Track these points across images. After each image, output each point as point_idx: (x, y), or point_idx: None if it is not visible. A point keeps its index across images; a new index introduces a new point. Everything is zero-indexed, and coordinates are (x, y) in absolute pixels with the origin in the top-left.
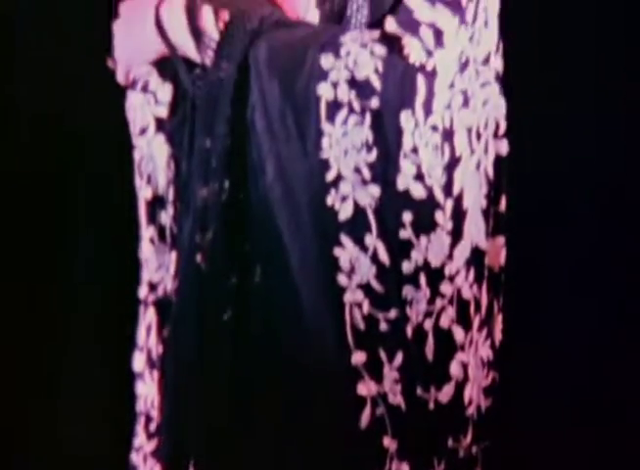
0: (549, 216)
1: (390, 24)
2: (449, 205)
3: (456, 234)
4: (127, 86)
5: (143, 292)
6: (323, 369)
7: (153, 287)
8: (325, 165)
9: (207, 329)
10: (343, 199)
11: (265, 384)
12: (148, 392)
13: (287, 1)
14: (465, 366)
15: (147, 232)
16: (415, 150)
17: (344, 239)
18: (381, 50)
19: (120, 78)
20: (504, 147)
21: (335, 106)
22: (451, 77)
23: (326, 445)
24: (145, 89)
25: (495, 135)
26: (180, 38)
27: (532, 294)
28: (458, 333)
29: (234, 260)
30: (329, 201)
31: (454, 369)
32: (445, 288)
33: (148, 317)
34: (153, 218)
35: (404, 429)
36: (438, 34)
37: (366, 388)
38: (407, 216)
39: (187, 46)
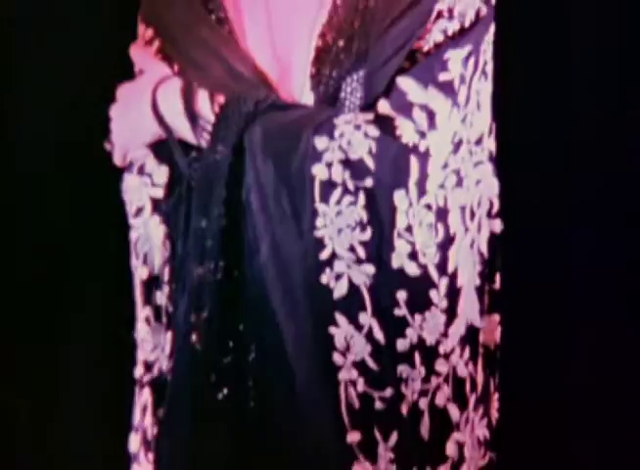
0: (545, 294)
1: (384, 107)
2: (444, 283)
3: (451, 312)
4: (124, 168)
5: (138, 372)
6: (319, 449)
7: (148, 367)
8: (319, 244)
9: (202, 408)
10: (338, 277)
11: (261, 463)
12: None
13: (282, 84)
14: (461, 446)
15: (143, 312)
16: (409, 229)
17: (339, 317)
18: (374, 131)
19: (117, 161)
20: (498, 225)
21: (329, 186)
22: (445, 158)
23: None
24: (141, 171)
25: (489, 214)
26: (176, 121)
27: (529, 372)
28: (454, 412)
29: (229, 340)
30: (323, 279)
31: (450, 449)
32: (441, 366)
33: (143, 397)
34: (149, 298)
35: None
36: (431, 116)
37: (361, 469)
38: (402, 295)
39: (183, 129)
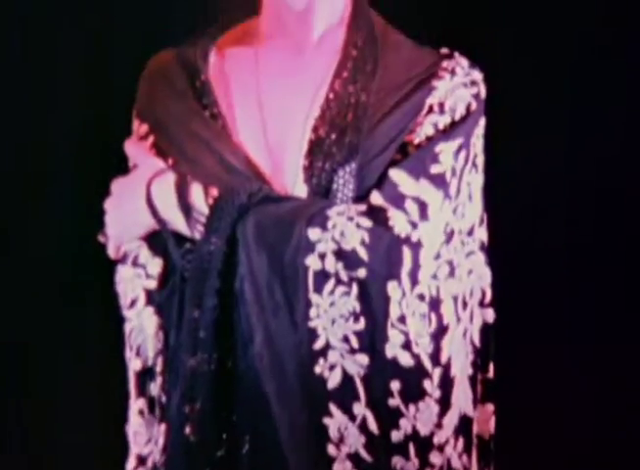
0: (539, 382)
1: (376, 198)
2: (437, 373)
3: (444, 402)
4: (118, 260)
5: (131, 465)
6: None
7: (142, 460)
8: (313, 335)
9: None
10: (332, 367)
11: None
12: None
13: (275, 177)
14: None
15: (136, 404)
16: (402, 319)
17: (333, 408)
18: (366, 222)
19: (111, 253)
20: (490, 315)
21: (322, 276)
22: (437, 248)
23: None
24: (135, 263)
25: (481, 304)
26: (170, 214)
27: (524, 461)
28: None
29: (222, 432)
30: (317, 369)
31: None
32: (435, 458)
33: None
34: (142, 390)
35: None
36: (423, 207)
37: None
38: (395, 385)
39: (177, 221)
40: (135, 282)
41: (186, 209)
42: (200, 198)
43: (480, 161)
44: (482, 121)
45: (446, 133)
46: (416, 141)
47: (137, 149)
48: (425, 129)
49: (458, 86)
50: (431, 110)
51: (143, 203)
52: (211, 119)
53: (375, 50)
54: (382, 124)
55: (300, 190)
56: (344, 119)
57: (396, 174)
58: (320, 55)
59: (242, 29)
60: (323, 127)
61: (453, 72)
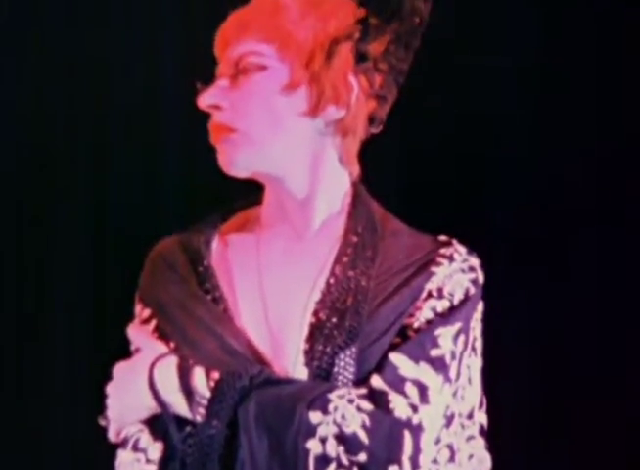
0: None
1: (377, 381)
2: None
3: None
4: (118, 444)
5: None
6: None
7: None
8: None
9: None
10: None
11: None
12: None
13: (275, 360)
14: None
15: None
16: None
17: None
18: (367, 405)
19: (112, 436)
20: None
21: (323, 461)
22: (437, 431)
23: None
24: (135, 447)
25: None
26: (172, 397)
27: None
28: None
29: None
30: None
31: None
32: None
33: None
34: None
35: None
36: (423, 391)
37: None
38: None
39: (179, 404)
40: (134, 467)
41: (188, 392)
42: (202, 381)
43: (479, 344)
44: (480, 306)
45: (445, 317)
46: (415, 325)
47: (139, 333)
48: (424, 314)
49: (456, 272)
50: (429, 295)
51: (145, 386)
52: (213, 304)
53: (374, 237)
54: (382, 309)
55: (301, 373)
56: (344, 304)
57: (396, 358)
58: (321, 241)
59: (244, 217)
60: (323, 311)
61: (451, 259)
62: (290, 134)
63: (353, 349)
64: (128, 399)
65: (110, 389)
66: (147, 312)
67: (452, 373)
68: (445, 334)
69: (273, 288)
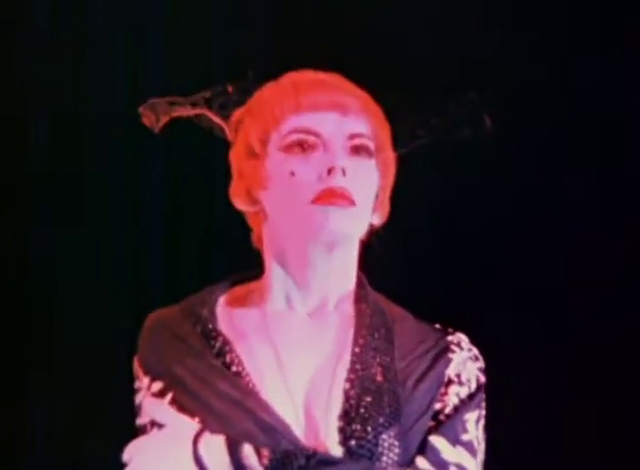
0: None
1: (423, 463)
2: None
3: None
4: None
5: None
6: None
7: None
8: None
9: None
10: None
11: None
12: None
13: (308, 436)
14: None
15: None
16: None
17: None
18: None
19: None
20: None
21: None
22: None
23: None
24: None
25: None
26: None
27: None
28: None
29: None
30: None
31: None
32: None
33: None
34: None
35: None
36: None
37: None
38: None
39: None
40: None
41: (239, 468)
42: (253, 458)
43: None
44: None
45: (468, 404)
46: (447, 411)
47: (160, 407)
48: (451, 399)
49: (467, 359)
50: (451, 381)
51: (189, 462)
52: (236, 377)
53: (386, 319)
54: (416, 392)
55: (336, 450)
56: (374, 382)
57: (437, 441)
58: (335, 320)
59: (243, 291)
60: (354, 390)
61: (460, 347)
62: None
63: (396, 430)
64: None
65: (137, 466)
66: (158, 385)
67: (480, 457)
68: (471, 419)
69: (292, 364)
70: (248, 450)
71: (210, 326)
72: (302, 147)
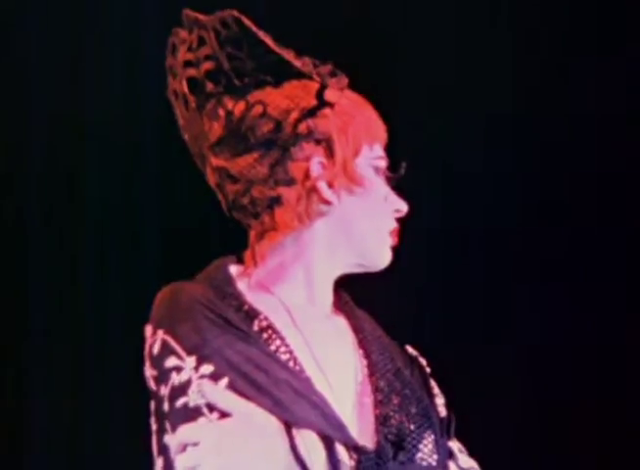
0: None
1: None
2: None
3: None
4: None
5: None
6: None
7: None
8: None
9: None
10: None
11: None
12: None
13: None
14: None
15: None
16: None
17: None
18: None
19: None
20: None
21: None
22: None
23: None
24: None
25: None
26: (317, 467)
27: None
28: None
29: None
30: None
31: None
32: None
33: None
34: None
35: None
36: None
37: None
38: None
39: None
40: None
41: (335, 465)
42: (346, 456)
43: None
44: None
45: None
46: (442, 415)
47: (220, 391)
48: (441, 404)
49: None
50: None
51: (284, 453)
52: (294, 366)
53: (373, 325)
54: (434, 401)
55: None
56: (396, 381)
57: (456, 446)
58: (342, 323)
59: (246, 273)
60: (382, 392)
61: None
62: None
63: (432, 436)
64: (252, 463)
65: (207, 452)
66: (209, 368)
67: None
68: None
69: (327, 363)
70: (340, 448)
71: (247, 310)
72: (385, 177)
